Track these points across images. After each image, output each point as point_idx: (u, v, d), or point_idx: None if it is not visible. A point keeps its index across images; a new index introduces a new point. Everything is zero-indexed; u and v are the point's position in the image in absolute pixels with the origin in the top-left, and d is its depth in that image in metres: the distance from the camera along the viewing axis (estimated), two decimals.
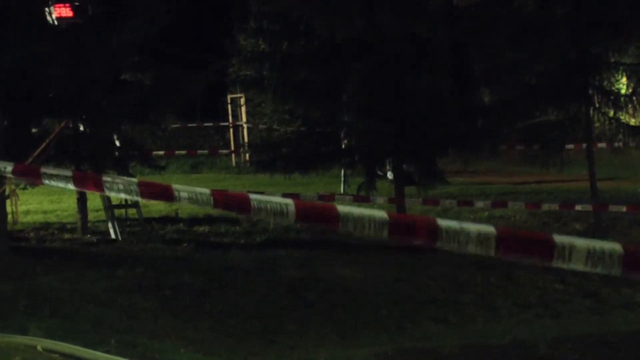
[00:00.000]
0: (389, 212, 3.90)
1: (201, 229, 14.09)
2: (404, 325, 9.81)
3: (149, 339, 8.45)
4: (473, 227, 3.69)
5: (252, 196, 4.26)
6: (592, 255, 3.55)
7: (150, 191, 4.82)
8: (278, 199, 4.17)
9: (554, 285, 11.02)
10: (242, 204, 4.34)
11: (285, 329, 9.45)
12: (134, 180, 4.94)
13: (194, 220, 14.56)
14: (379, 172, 15.44)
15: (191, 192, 4.60)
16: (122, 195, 5.11)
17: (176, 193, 4.62)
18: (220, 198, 4.54)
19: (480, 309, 10.42)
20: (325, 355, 8.69)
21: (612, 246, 3.58)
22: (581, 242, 3.61)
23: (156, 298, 10.07)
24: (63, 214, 15.49)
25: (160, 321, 9.29)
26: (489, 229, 3.68)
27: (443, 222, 3.72)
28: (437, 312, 10.26)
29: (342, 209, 3.90)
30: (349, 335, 9.46)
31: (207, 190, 4.56)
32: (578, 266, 3.60)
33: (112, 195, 5.57)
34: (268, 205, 4.16)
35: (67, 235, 13.53)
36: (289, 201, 4.10)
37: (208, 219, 14.49)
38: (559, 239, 3.62)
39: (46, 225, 14.39)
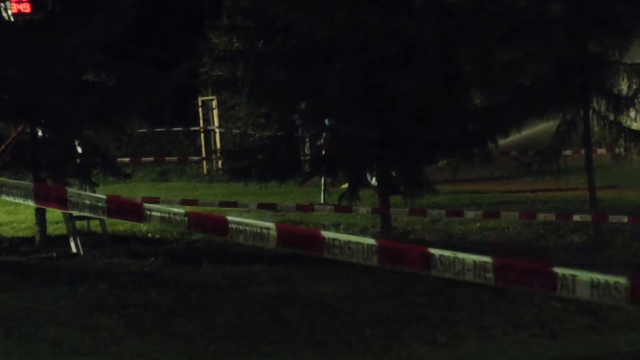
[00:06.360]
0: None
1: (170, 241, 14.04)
2: (389, 346, 9.77)
3: None
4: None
5: (230, 218, 4.25)
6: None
7: (119, 209, 4.77)
8: (258, 223, 4.15)
9: (550, 303, 11.01)
10: (218, 227, 4.33)
11: (261, 351, 9.40)
12: (102, 197, 4.89)
13: (162, 232, 14.50)
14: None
15: (164, 211, 4.56)
16: (87, 214, 5.08)
17: (147, 212, 4.58)
18: (195, 219, 4.52)
19: (471, 329, 10.39)
20: None
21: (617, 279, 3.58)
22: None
23: (121, 317, 10.01)
24: (20, 226, 15.39)
25: (125, 342, 9.24)
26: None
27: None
28: (425, 332, 10.23)
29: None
30: (330, 357, 9.42)
31: (181, 210, 4.53)
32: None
33: (76, 212, 5.54)
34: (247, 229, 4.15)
35: (24, 249, 13.44)
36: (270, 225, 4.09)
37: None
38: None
39: (1, 239, 14.31)
